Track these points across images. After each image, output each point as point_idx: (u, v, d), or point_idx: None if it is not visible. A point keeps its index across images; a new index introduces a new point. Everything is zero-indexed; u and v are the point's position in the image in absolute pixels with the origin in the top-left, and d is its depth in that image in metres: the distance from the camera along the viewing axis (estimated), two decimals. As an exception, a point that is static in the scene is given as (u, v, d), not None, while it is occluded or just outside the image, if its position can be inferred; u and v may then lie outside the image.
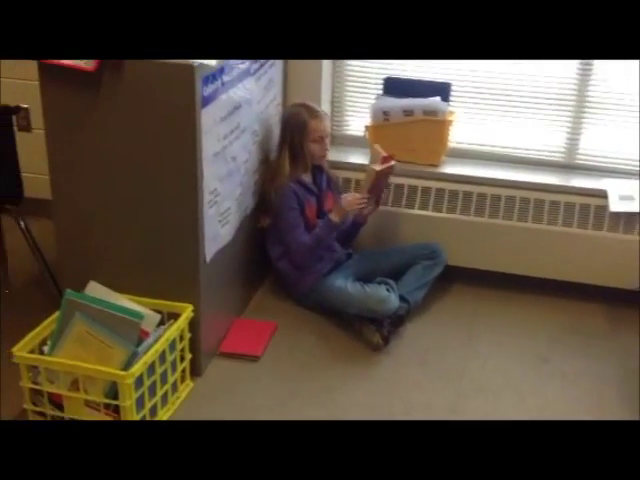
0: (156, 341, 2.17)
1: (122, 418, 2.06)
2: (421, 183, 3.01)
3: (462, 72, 3.03)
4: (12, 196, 2.65)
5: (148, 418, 2.17)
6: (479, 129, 3.11)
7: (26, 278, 3.02)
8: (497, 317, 2.93)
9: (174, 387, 2.32)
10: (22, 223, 2.76)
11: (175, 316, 2.32)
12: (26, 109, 2.58)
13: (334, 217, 2.76)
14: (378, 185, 2.78)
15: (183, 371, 2.38)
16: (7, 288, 2.94)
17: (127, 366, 2.06)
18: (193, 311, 2.36)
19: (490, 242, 3.00)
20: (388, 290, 2.71)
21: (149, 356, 2.11)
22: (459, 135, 3.11)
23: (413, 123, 2.95)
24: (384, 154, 2.73)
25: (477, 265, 3.06)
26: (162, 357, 2.20)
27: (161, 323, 2.29)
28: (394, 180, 2.99)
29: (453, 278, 3.08)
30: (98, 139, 2.24)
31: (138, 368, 2.05)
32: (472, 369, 2.60)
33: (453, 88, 3.03)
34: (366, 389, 2.48)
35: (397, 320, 2.73)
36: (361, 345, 2.70)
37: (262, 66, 2.69)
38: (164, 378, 2.24)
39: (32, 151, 2.73)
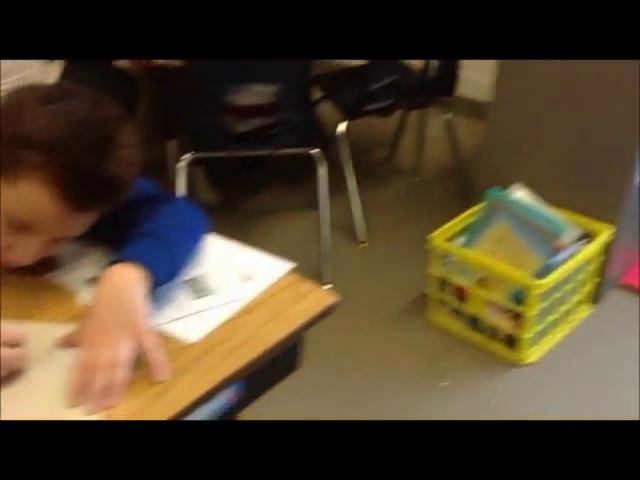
0: (571, 257, 2.09)
1: (522, 326, 2.05)
2: None
3: None
4: (446, 88, 2.71)
5: (546, 333, 2.14)
6: None
7: (434, 170, 3.14)
8: None
9: (573, 309, 2.25)
10: (446, 116, 2.83)
11: (590, 235, 2.21)
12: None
13: None
14: None
15: (584, 294, 2.28)
16: (418, 176, 3.09)
17: (537, 276, 2.03)
18: (610, 234, 2.22)
19: None
20: None
21: (561, 272, 2.04)
22: None
23: None
24: None
25: None
26: (571, 275, 2.12)
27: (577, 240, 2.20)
28: None
29: None
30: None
31: (549, 281, 2.00)
32: None
33: None
34: None
35: None
36: None
37: None
38: (567, 297, 2.17)
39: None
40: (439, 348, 2.15)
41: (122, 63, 2.56)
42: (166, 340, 0.97)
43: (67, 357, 0.95)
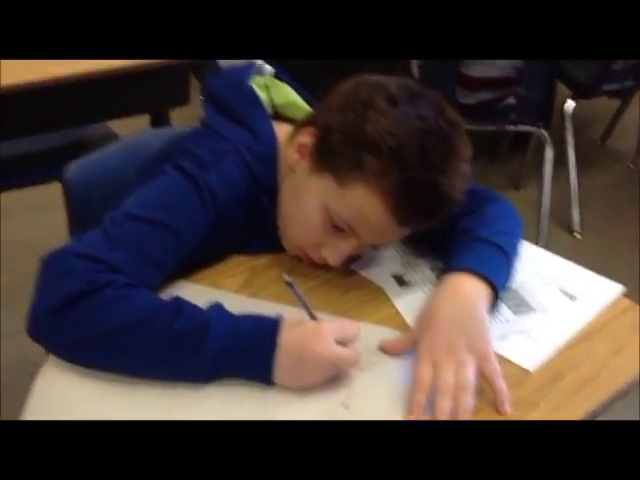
0: None
1: None
2: None
3: None
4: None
5: None
6: None
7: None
8: None
9: None
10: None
11: None
12: None
13: None
14: None
15: None
16: (635, 163, 2.84)
17: None
18: None
19: None
20: None
21: None
22: None
23: None
24: None
25: None
26: None
27: None
28: None
29: None
30: None
31: None
32: None
33: None
34: None
35: None
36: None
37: None
38: None
39: None
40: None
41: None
42: (501, 363, 0.87)
43: (392, 365, 0.88)
